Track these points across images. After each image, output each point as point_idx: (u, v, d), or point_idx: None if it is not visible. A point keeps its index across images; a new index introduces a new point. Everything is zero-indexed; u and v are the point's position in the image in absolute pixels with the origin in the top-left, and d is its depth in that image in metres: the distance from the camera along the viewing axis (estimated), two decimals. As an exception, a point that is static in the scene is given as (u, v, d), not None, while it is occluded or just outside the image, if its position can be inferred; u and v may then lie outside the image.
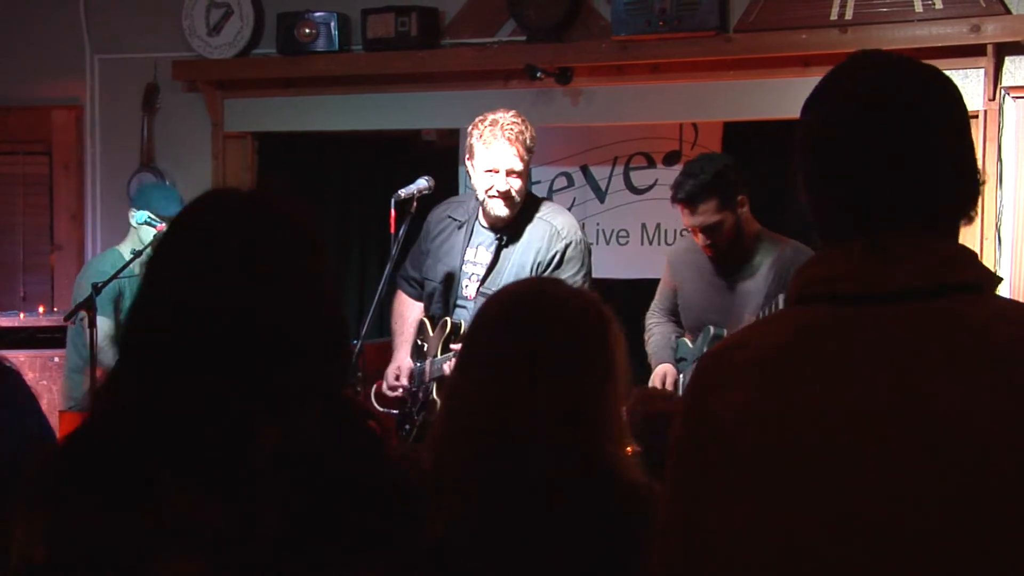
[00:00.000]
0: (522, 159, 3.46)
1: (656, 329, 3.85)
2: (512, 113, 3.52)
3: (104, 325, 4.08)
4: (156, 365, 1.27)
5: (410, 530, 1.30)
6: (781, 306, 3.29)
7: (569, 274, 3.50)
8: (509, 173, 3.45)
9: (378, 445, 1.33)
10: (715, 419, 1.20)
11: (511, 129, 3.45)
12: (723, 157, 3.83)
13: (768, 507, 1.16)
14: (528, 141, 3.47)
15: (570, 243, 3.53)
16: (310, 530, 1.23)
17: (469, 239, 3.64)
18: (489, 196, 3.49)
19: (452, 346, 3.55)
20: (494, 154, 3.45)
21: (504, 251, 3.55)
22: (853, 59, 1.31)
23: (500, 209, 3.50)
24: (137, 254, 4.10)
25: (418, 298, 3.81)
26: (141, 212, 4.31)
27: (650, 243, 5.03)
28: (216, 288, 1.27)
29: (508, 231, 3.56)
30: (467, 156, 3.55)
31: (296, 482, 1.24)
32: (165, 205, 4.29)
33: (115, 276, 4.04)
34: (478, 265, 3.60)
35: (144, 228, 4.28)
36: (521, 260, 3.53)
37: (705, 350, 3.48)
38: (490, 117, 3.49)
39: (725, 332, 3.48)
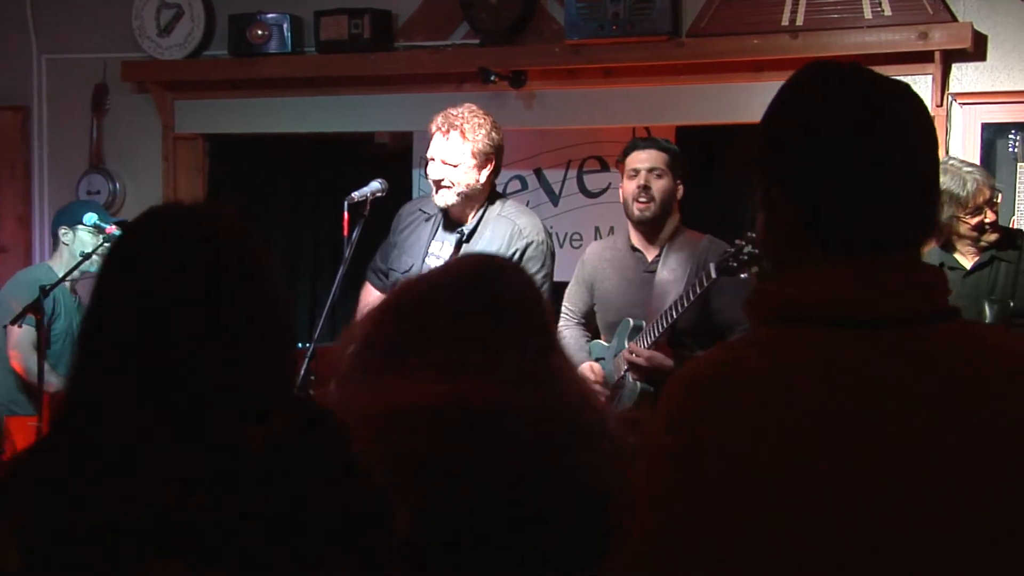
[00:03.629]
0: (463, 152, 3.48)
1: (567, 332, 3.83)
2: (468, 106, 3.55)
3: (28, 333, 4.10)
4: (126, 368, 1.28)
5: (383, 525, 1.32)
6: (699, 291, 3.30)
7: (530, 273, 3.49)
8: (446, 163, 3.49)
9: (346, 445, 1.35)
10: (717, 435, 1.15)
11: (453, 120, 3.49)
12: None
13: (770, 524, 1.12)
14: (482, 138, 3.48)
15: (531, 242, 3.54)
16: (291, 529, 1.25)
17: (435, 232, 3.67)
18: (434, 181, 3.55)
19: None
20: (432, 143, 3.53)
21: (465, 246, 3.58)
22: (825, 71, 1.28)
23: (440, 198, 3.55)
24: (87, 256, 4.13)
25: (383, 290, 3.82)
26: (90, 215, 4.29)
27: (603, 246, 5.05)
28: (180, 292, 1.29)
29: (470, 227, 3.58)
30: None
31: (279, 483, 1.26)
32: (103, 213, 4.39)
33: (65, 277, 4.09)
34: (440, 259, 3.62)
35: (84, 234, 4.28)
36: None
37: (626, 343, 3.48)
38: (449, 109, 3.55)
39: (644, 324, 3.49)
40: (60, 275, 4.15)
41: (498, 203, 3.63)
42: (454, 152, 3.49)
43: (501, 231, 3.55)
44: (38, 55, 5.09)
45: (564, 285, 3.87)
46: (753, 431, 1.13)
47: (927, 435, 1.12)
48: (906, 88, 1.24)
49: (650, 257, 3.62)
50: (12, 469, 1.33)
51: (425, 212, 3.72)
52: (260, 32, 4.63)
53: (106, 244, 4.24)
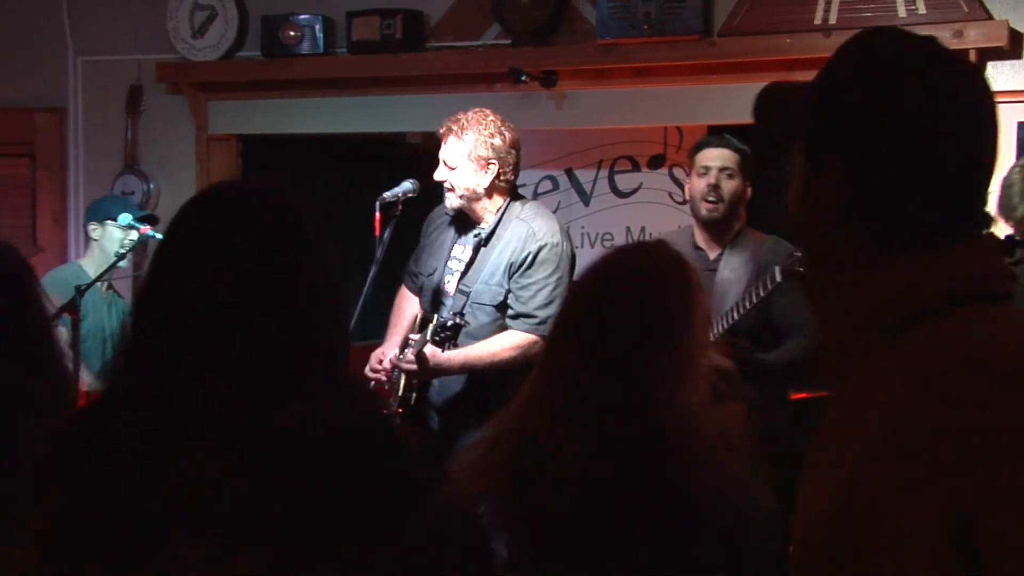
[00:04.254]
0: (459, 154, 3.53)
1: None
2: (477, 110, 3.60)
3: (61, 332, 4.13)
4: (168, 348, 1.29)
5: (419, 510, 1.31)
6: (762, 294, 3.30)
7: (541, 276, 3.51)
8: (446, 165, 3.56)
9: (388, 427, 1.36)
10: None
11: (457, 124, 3.55)
12: None
13: None
14: (480, 141, 3.52)
15: (544, 245, 3.53)
16: (323, 508, 1.25)
17: (459, 236, 3.69)
18: (438, 181, 3.62)
19: (411, 336, 3.59)
20: (442, 145, 3.59)
21: (483, 250, 3.59)
22: (926, 48, 1.23)
23: (448, 201, 3.62)
24: (121, 256, 4.17)
25: (417, 292, 3.84)
26: (125, 215, 4.33)
27: (634, 246, 5.05)
28: (227, 274, 1.29)
29: (488, 230, 3.60)
30: None
31: (311, 461, 1.26)
32: (134, 209, 4.42)
33: (100, 277, 4.12)
34: (461, 262, 3.64)
35: (113, 230, 4.31)
36: (497, 259, 3.56)
37: None
38: (459, 112, 3.61)
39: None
40: (91, 273, 4.17)
41: (517, 205, 3.64)
42: (452, 155, 3.54)
43: (517, 233, 3.56)
44: (74, 57, 5.14)
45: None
46: None
47: None
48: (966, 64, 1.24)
49: (712, 256, 3.62)
50: (59, 438, 1.34)
51: (449, 215, 3.75)
52: (292, 33, 4.65)
53: (139, 242, 4.28)
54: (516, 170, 3.63)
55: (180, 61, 4.89)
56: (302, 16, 4.66)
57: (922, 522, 1.06)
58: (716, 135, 3.78)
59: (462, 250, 3.67)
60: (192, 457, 1.24)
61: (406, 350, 3.57)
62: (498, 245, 3.57)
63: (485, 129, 3.52)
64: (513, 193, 3.67)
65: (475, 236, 3.62)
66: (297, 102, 4.81)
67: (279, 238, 1.33)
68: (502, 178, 3.57)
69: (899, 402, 1.10)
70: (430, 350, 3.45)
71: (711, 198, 3.59)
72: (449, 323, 3.42)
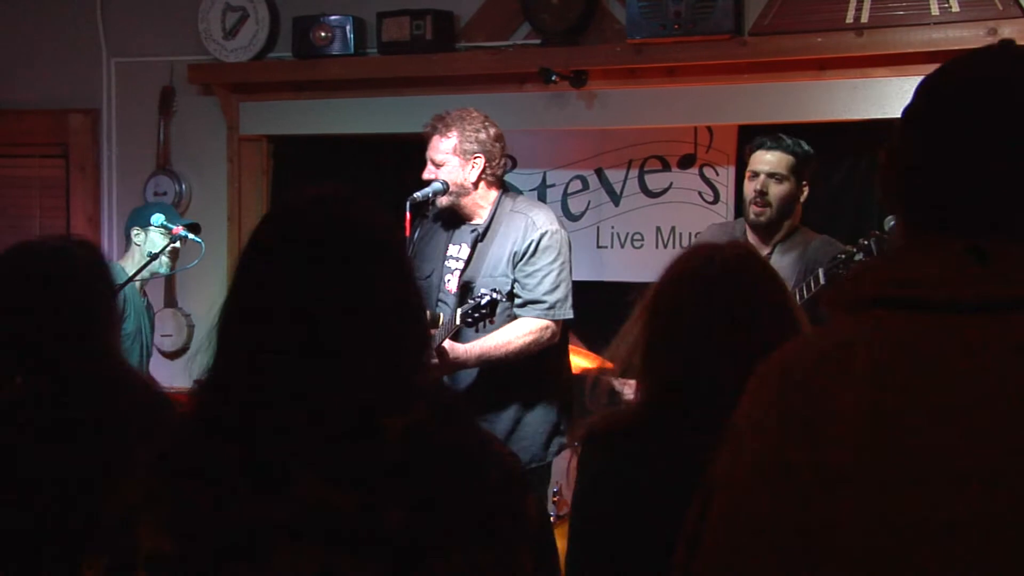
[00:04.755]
0: (444, 151, 3.62)
1: None
2: (463, 108, 3.69)
3: None
4: (266, 359, 1.30)
5: (517, 518, 1.34)
6: (805, 295, 3.30)
7: (545, 262, 3.59)
8: (432, 162, 3.64)
9: (484, 436, 1.38)
10: (820, 420, 1.13)
11: (441, 122, 3.64)
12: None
13: (872, 508, 1.11)
14: (464, 136, 3.60)
15: (545, 232, 3.60)
16: (430, 519, 1.26)
17: (452, 236, 3.74)
18: (425, 179, 3.68)
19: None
20: (428, 144, 3.68)
21: (480, 245, 3.64)
22: (983, 56, 1.23)
23: (436, 199, 3.67)
24: (154, 256, 4.21)
25: None
26: (157, 216, 4.36)
27: (664, 246, 5.02)
28: (323, 286, 1.31)
29: (483, 226, 3.65)
30: None
31: (419, 473, 1.27)
32: (173, 213, 4.46)
33: (135, 276, 4.19)
34: (459, 260, 3.69)
35: (155, 235, 4.34)
36: (498, 252, 3.62)
37: None
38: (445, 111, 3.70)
39: None
40: (131, 274, 4.22)
41: (509, 200, 3.71)
42: (437, 152, 3.62)
43: (515, 225, 3.62)
44: (108, 59, 5.19)
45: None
46: (844, 421, 1.12)
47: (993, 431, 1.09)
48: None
49: (763, 252, 3.62)
50: (167, 451, 1.34)
51: (440, 219, 3.80)
52: (323, 34, 4.67)
53: (174, 245, 4.32)
54: (503, 164, 3.73)
55: (212, 62, 4.92)
56: (333, 17, 4.67)
57: None
58: (772, 136, 3.78)
59: (458, 248, 3.72)
60: (307, 475, 1.25)
61: None
62: (496, 238, 3.63)
63: (469, 125, 3.61)
64: (504, 187, 3.75)
65: (472, 232, 3.67)
66: (328, 102, 4.82)
67: (361, 247, 1.34)
68: (489, 172, 3.64)
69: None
70: (448, 344, 3.48)
71: (758, 202, 3.65)
72: (484, 300, 3.40)
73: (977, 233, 1.15)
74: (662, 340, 1.97)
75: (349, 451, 1.26)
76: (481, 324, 3.43)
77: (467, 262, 3.66)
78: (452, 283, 3.69)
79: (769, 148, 3.70)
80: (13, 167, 5.37)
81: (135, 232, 4.44)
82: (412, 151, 5.61)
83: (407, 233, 3.65)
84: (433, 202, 3.69)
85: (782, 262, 3.54)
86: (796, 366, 1.19)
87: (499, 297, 3.41)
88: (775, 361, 1.22)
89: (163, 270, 4.36)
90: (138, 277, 4.27)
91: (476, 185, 3.65)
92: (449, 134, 3.61)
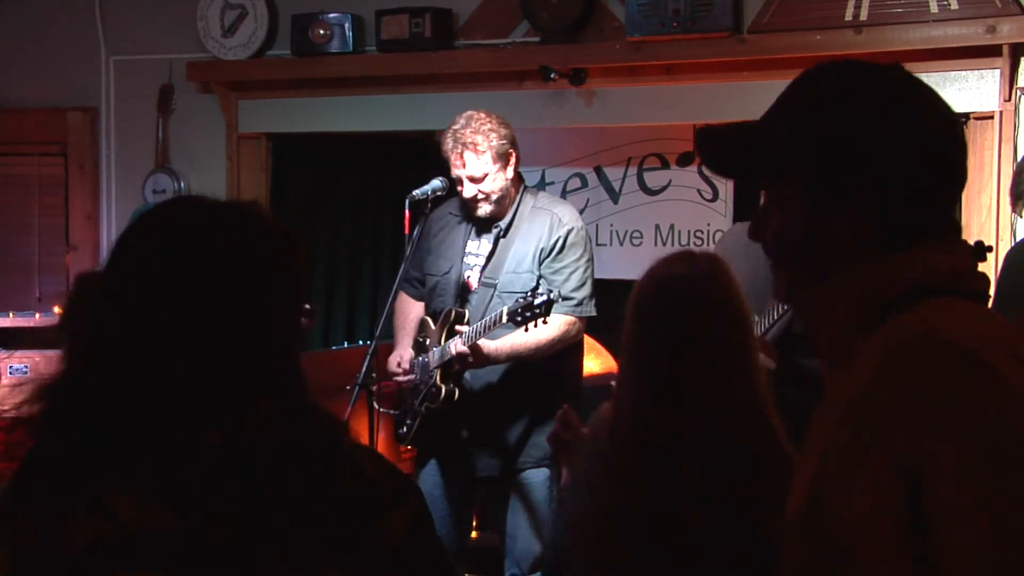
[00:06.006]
0: (484, 163, 3.55)
1: None
2: (468, 115, 3.60)
3: None
4: (98, 373, 1.26)
5: (369, 530, 1.28)
6: None
7: (572, 259, 3.58)
8: (472, 180, 3.57)
9: (332, 444, 1.31)
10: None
11: (460, 138, 3.55)
12: None
13: None
14: (495, 142, 3.55)
15: (571, 229, 3.60)
16: (263, 534, 1.22)
17: (471, 232, 3.71)
18: (467, 200, 3.62)
19: (458, 328, 3.59)
20: (457, 165, 3.58)
21: (502, 241, 3.62)
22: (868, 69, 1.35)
23: (480, 210, 3.63)
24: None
25: (419, 298, 3.86)
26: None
27: (664, 244, 5.03)
28: (155, 296, 1.26)
29: (506, 222, 3.63)
30: None
31: (244, 486, 1.22)
32: None
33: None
34: (480, 256, 3.67)
35: None
36: (522, 249, 3.60)
37: None
38: (452, 127, 3.60)
39: (756, 318, 3.46)
40: None
41: (529, 196, 3.69)
42: (475, 168, 3.56)
43: (540, 222, 3.61)
44: (106, 57, 5.18)
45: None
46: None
47: None
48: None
49: None
50: (12, 479, 1.31)
51: (456, 215, 3.77)
52: (322, 32, 4.67)
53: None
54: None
55: (211, 60, 4.92)
56: (332, 15, 4.67)
57: (874, 482, 1.11)
58: None
59: (477, 245, 3.69)
60: (129, 495, 1.21)
61: (451, 341, 3.56)
62: (519, 235, 3.61)
63: (491, 128, 3.56)
64: (524, 183, 3.74)
65: (494, 228, 3.64)
66: (327, 100, 4.82)
67: (207, 260, 1.28)
68: (518, 164, 3.64)
69: (862, 379, 1.16)
70: (481, 341, 3.48)
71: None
72: (540, 300, 3.33)
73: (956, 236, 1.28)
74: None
75: (168, 467, 1.22)
76: (532, 324, 3.37)
77: (488, 258, 3.64)
78: (473, 279, 3.67)
79: None
80: (12, 165, 5.37)
81: None
82: (411, 148, 5.63)
83: (407, 231, 3.65)
84: (433, 200, 3.69)
85: None
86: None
87: (555, 298, 3.36)
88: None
89: None
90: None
91: (515, 180, 3.65)
92: (481, 147, 3.54)
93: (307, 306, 1.40)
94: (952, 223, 1.29)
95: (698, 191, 4.99)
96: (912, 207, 1.24)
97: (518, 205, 3.65)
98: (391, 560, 1.28)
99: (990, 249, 1.28)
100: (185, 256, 1.28)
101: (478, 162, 3.55)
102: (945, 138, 1.27)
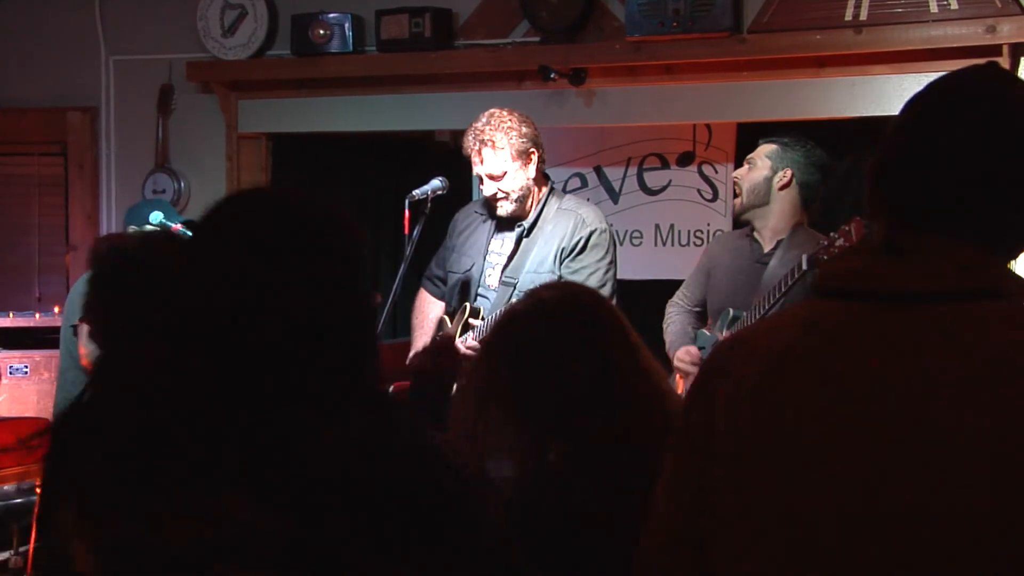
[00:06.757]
0: (503, 160, 3.55)
1: (676, 318, 3.82)
2: (491, 113, 3.60)
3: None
4: (191, 368, 1.23)
5: (472, 528, 1.27)
6: (789, 283, 3.29)
7: (593, 260, 3.58)
8: (492, 178, 3.57)
9: (430, 443, 1.30)
10: (721, 405, 1.23)
11: (480, 135, 3.55)
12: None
13: (768, 495, 1.18)
14: (514, 139, 3.55)
15: (595, 230, 3.60)
16: (371, 533, 1.20)
17: (495, 230, 3.72)
18: (488, 198, 3.62)
19: (471, 321, 3.60)
20: (477, 162, 3.59)
21: (525, 241, 3.62)
22: (974, 74, 1.30)
23: (501, 208, 3.63)
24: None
25: (441, 297, 3.86)
26: (156, 214, 4.37)
27: (664, 244, 5.03)
28: (253, 289, 1.24)
29: (530, 222, 3.63)
30: None
31: (353, 486, 1.20)
32: (171, 211, 4.47)
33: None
34: (502, 256, 3.67)
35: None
36: (544, 249, 3.60)
37: (723, 331, 3.47)
38: (474, 124, 3.61)
39: (744, 314, 3.47)
40: None
41: (555, 198, 3.69)
42: (493, 165, 3.56)
43: (563, 223, 3.61)
44: (106, 57, 5.19)
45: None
46: (739, 404, 1.21)
47: (931, 407, 1.13)
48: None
49: (767, 248, 3.61)
50: (94, 470, 1.25)
51: (482, 214, 3.78)
52: (322, 32, 4.67)
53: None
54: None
55: (211, 60, 4.92)
56: (332, 15, 4.67)
57: None
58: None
59: (500, 244, 3.70)
60: (227, 497, 1.18)
61: (463, 337, 3.58)
62: (541, 236, 3.61)
63: (511, 126, 3.55)
64: (550, 184, 3.73)
65: (518, 227, 3.65)
66: (327, 100, 4.82)
67: (303, 248, 1.27)
68: (542, 163, 3.63)
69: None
70: None
71: (735, 192, 3.67)
72: None
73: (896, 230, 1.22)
74: None
75: (282, 465, 1.19)
76: None
77: (510, 257, 3.65)
78: (493, 278, 3.68)
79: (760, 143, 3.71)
80: (12, 165, 5.37)
81: (132, 231, 4.44)
82: (411, 148, 5.63)
83: (406, 231, 3.65)
84: (433, 200, 3.69)
85: (785, 257, 3.52)
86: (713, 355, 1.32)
87: None
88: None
89: None
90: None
91: (539, 179, 3.64)
92: (499, 143, 3.54)
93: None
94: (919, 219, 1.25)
95: (698, 191, 4.99)
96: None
97: (543, 205, 3.65)
98: (486, 554, 1.27)
99: None
100: (299, 237, 1.27)
101: (496, 159, 3.55)
102: None
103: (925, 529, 1.10)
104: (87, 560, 1.21)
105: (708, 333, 3.68)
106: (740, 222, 3.79)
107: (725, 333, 3.44)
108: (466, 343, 3.53)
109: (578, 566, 1.69)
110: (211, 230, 1.31)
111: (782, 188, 3.58)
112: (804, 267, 3.22)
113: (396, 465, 1.23)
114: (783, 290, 3.30)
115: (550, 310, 1.87)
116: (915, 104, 1.27)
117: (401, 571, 1.21)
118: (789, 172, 3.58)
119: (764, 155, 3.61)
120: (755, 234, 3.64)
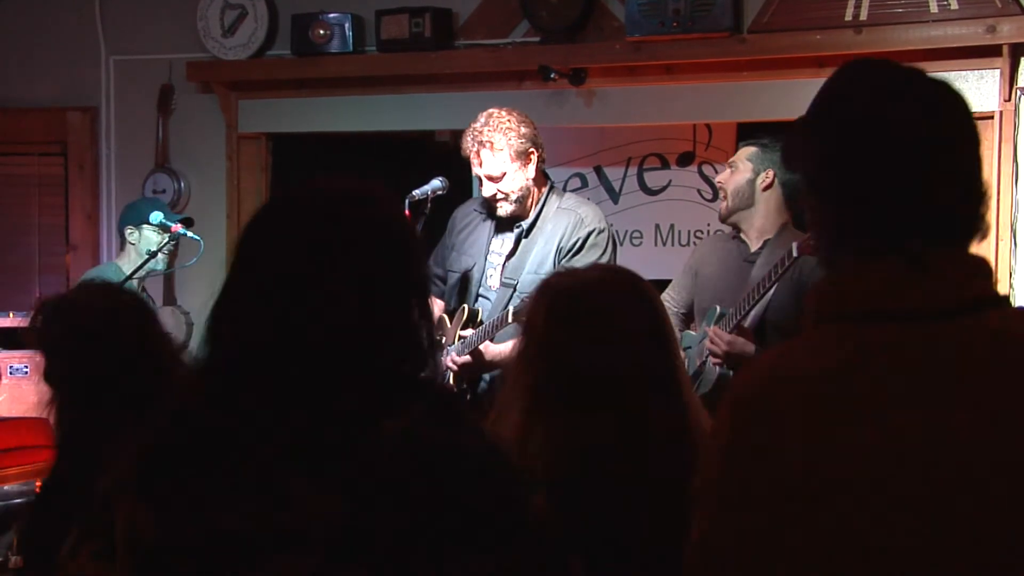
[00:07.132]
0: (502, 162, 3.54)
1: None
2: (489, 113, 3.59)
3: None
4: (259, 359, 1.26)
5: (522, 514, 1.29)
6: (779, 273, 3.27)
7: (590, 260, 3.55)
8: (491, 179, 3.56)
9: (483, 432, 1.33)
10: (766, 453, 1.16)
11: (478, 136, 3.54)
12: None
13: (819, 538, 1.14)
14: (513, 140, 3.53)
15: (593, 230, 3.59)
16: (427, 522, 1.22)
17: (495, 230, 3.71)
18: (487, 199, 3.61)
19: (461, 333, 3.59)
20: (475, 164, 3.58)
21: (524, 241, 3.61)
22: (862, 70, 1.31)
23: (501, 209, 3.62)
24: (152, 254, 4.22)
25: (440, 296, 3.86)
26: (156, 214, 4.37)
27: (664, 244, 5.03)
28: (319, 285, 1.26)
29: (529, 221, 3.62)
30: None
31: (415, 475, 1.22)
32: (168, 211, 4.47)
33: (133, 274, 4.20)
34: (501, 256, 3.67)
35: (150, 233, 4.34)
36: (544, 250, 3.60)
37: (708, 328, 3.47)
38: (472, 125, 3.60)
39: (729, 311, 3.47)
40: (127, 272, 4.22)
41: (555, 196, 3.69)
42: (492, 166, 3.55)
43: (563, 222, 3.60)
44: (106, 57, 5.18)
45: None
46: (789, 452, 1.15)
47: (957, 422, 1.12)
48: (940, 86, 1.25)
49: (753, 248, 3.61)
50: (158, 447, 1.30)
51: (481, 212, 3.77)
52: (322, 32, 4.67)
53: (171, 243, 4.32)
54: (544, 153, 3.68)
55: (211, 60, 4.92)
56: (332, 15, 4.67)
57: None
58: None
59: (500, 243, 3.69)
60: (287, 482, 1.21)
61: (448, 351, 3.57)
62: (541, 236, 3.61)
63: (509, 127, 3.54)
64: (550, 183, 3.72)
65: (516, 228, 3.64)
66: (327, 100, 4.82)
67: (364, 239, 1.29)
68: (542, 163, 3.62)
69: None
70: (483, 346, 3.47)
71: (722, 195, 3.67)
72: None
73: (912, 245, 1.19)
74: None
75: (343, 454, 1.21)
76: None
77: (508, 257, 3.64)
78: (494, 278, 3.68)
79: (743, 143, 3.73)
80: (12, 165, 5.37)
81: (129, 231, 4.44)
82: (411, 148, 5.63)
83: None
84: (433, 200, 3.69)
85: (772, 256, 3.53)
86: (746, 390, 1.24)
87: None
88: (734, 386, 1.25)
89: (160, 267, 4.37)
90: (136, 275, 4.26)
91: (538, 179, 3.63)
92: (498, 144, 3.53)
93: None
94: (912, 232, 1.23)
95: (698, 191, 4.99)
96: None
97: (543, 205, 3.64)
98: (535, 546, 1.29)
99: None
100: (356, 229, 1.29)
101: (494, 160, 3.54)
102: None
103: (995, 558, 1.10)
104: (142, 527, 1.24)
105: (693, 333, 3.69)
106: (728, 225, 3.78)
107: (711, 329, 3.45)
108: (450, 357, 3.52)
109: (616, 546, 1.70)
110: (267, 230, 1.33)
111: (765, 189, 3.59)
112: (795, 254, 3.22)
113: (455, 460, 1.25)
114: (773, 280, 3.30)
115: (598, 276, 1.92)
116: (865, 126, 1.24)
117: (453, 566, 1.22)
118: (771, 172, 3.59)
119: (745, 158, 3.62)
120: (741, 235, 3.65)
